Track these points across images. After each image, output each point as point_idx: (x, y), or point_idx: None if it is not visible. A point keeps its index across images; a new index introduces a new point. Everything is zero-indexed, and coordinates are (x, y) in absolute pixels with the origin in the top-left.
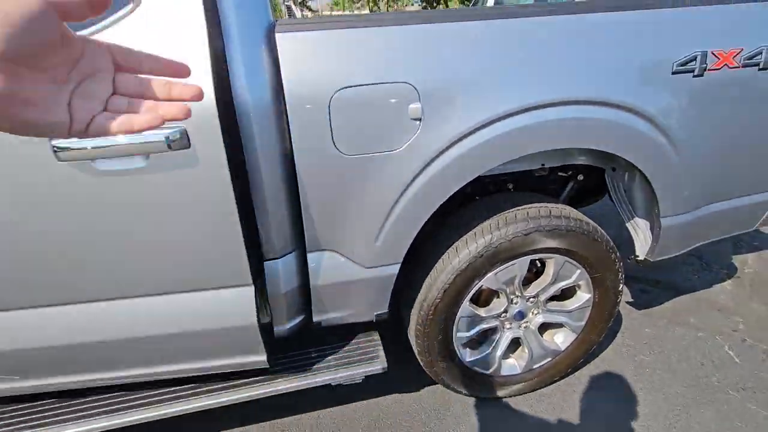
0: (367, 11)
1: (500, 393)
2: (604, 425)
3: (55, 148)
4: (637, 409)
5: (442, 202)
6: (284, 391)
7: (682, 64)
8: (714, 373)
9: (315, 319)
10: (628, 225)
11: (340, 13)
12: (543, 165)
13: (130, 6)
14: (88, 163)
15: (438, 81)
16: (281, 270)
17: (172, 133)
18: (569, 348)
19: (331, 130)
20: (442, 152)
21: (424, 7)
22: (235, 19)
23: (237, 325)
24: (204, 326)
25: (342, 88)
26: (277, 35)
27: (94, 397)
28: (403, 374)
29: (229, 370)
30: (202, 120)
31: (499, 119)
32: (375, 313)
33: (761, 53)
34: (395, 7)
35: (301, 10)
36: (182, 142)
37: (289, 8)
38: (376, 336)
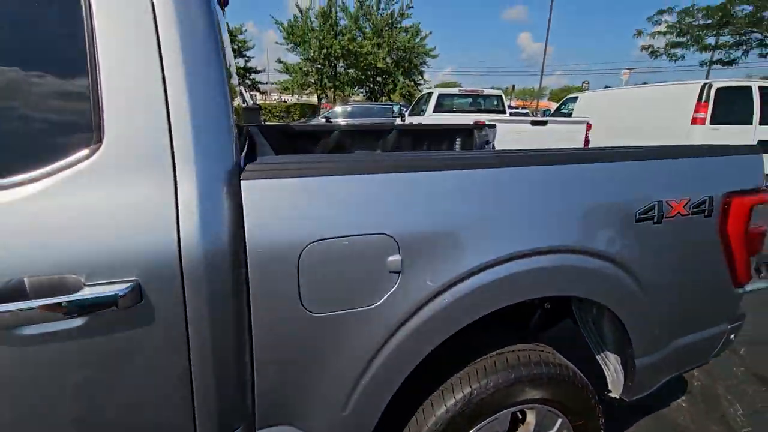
0: (315, 98)
1: None
2: None
3: None
4: None
5: (421, 359)
6: None
7: (644, 213)
8: None
9: None
10: (597, 357)
11: (288, 98)
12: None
13: (88, 149)
14: (12, 332)
15: (419, 232)
16: None
17: (121, 289)
18: None
19: (299, 287)
20: (421, 306)
21: (368, 98)
22: (195, 162)
23: None
24: None
25: (314, 242)
26: (243, 183)
27: None
28: None
29: None
30: (160, 271)
31: (480, 270)
32: None
33: (705, 202)
34: (342, 95)
35: (250, 92)
36: (133, 298)
37: (240, 93)
38: None
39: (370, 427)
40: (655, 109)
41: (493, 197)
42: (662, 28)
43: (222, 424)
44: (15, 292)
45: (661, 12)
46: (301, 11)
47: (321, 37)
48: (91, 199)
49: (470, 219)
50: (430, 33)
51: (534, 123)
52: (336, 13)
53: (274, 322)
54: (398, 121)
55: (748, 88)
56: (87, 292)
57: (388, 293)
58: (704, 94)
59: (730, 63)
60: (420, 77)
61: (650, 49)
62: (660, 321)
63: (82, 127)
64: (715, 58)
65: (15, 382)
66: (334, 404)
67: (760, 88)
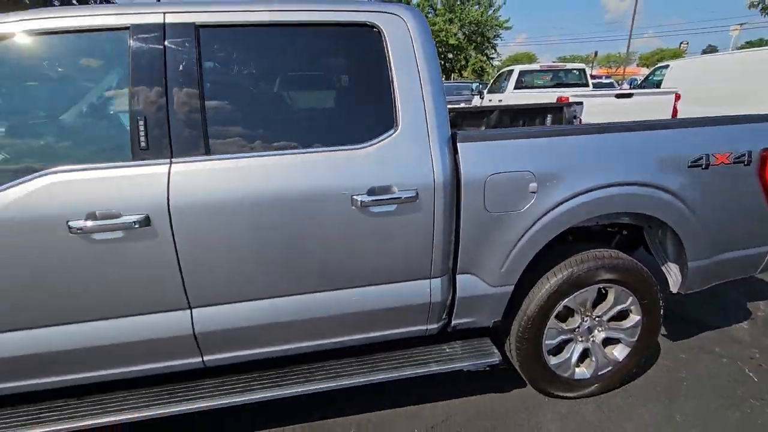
0: None
1: (574, 393)
2: (654, 422)
3: (356, 201)
4: (680, 411)
5: (543, 245)
6: (434, 372)
7: (694, 162)
8: (738, 388)
9: (453, 322)
10: (662, 268)
11: None
12: (597, 222)
13: (391, 129)
14: (374, 203)
15: (547, 170)
16: (440, 285)
17: (411, 193)
18: (625, 359)
19: (484, 198)
20: (546, 213)
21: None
22: (435, 129)
23: (420, 300)
24: (391, 304)
25: (492, 174)
26: (458, 144)
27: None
28: (497, 379)
29: (398, 336)
30: (429, 187)
31: (577, 195)
32: (493, 320)
33: (744, 155)
34: None
35: None
36: (415, 197)
37: None
38: (488, 340)
39: (514, 280)
40: (753, 75)
41: (588, 152)
42: None
43: (443, 269)
44: (379, 191)
45: None
46: None
47: None
48: (396, 153)
49: (576, 164)
50: (504, 3)
51: (619, 96)
52: None
53: (471, 217)
54: (476, 98)
55: None
56: (396, 190)
57: (529, 204)
58: None
59: None
60: (493, 51)
61: (760, 6)
62: (706, 237)
63: (386, 117)
64: None
65: (363, 239)
66: (496, 264)
67: None
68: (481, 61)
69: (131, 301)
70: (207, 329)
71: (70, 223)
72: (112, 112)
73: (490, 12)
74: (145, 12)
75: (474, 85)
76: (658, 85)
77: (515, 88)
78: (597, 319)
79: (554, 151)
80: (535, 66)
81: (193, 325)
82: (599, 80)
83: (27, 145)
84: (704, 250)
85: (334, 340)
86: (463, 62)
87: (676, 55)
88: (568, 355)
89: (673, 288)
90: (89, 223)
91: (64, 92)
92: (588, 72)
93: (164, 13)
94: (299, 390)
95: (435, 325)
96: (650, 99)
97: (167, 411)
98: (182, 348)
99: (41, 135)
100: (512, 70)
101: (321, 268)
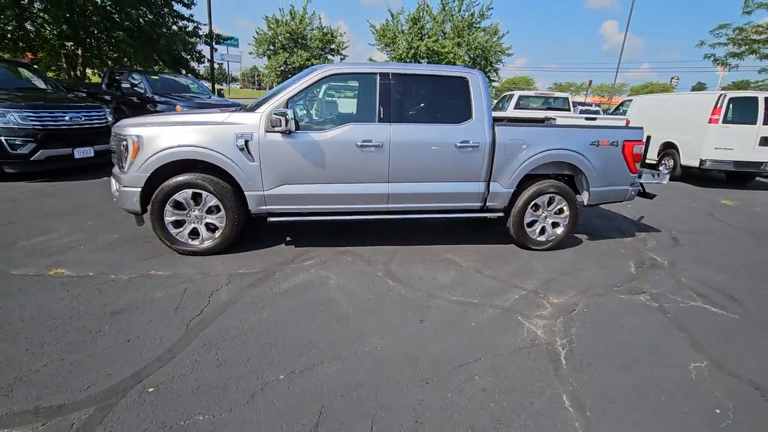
0: None
1: (538, 247)
2: (572, 257)
3: (455, 145)
4: (583, 255)
5: (525, 174)
6: (475, 217)
7: (592, 143)
8: (613, 252)
9: (487, 204)
10: (581, 194)
11: None
12: (553, 172)
13: (470, 118)
14: (462, 147)
15: (529, 139)
16: (485, 185)
17: (476, 144)
18: (561, 234)
19: (504, 149)
20: (529, 158)
21: None
22: (486, 120)
23: (476, 191)
24: (465, 191)
25: (508, 140)
26: (496, 127)
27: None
28: (501, 242)
29: (465, 208)
30: (483, 143)
31: (542, 152)
32: (503, 206)
33: (615, 142)
34: None
35: None
36: (478, 146)
37: None
38: (502, 214)
39: (514, 186)
40: (685, 111)
41: (548, 135)
42: (723, 40)
43: (485, 178)
44: (464, 142)
45: (721, 26)
46: (392, 15)
47: (410, 39)
48: (472, 128)
49: (541, 139)
50: (508, 32)
51: (587, 118)
52: (424, 17)
53: (498, 156)
54: None
55: (755, 98)
56: (471, 143)
57: (522, 153)
58: (719, 102)
59: None
60: (495, 74)
61: (712, 58)
62: (599, 178)
63: (467, 114)
64: None
65: (452, 159)
66: (507, 178)
67: (765, 98)
68: None
69: (371, 175)
70: (393, 192)
71: (356, 143)
72: (372, 104)
73: (495, 39)
74: (383, 68)
75: None
76: (625, 114)
77: (515, 108)
78: (549, 211)
79: (533, 133)
80: (531, 92)
81: (388, 189)
82: (588, 107)
83: (348, 115)
84: (597, 184)
85: (437, 204)
86: None
87: (665, 89)
88: (535, 228)
89: (585, 202)
90: (363, 143)
91: (357, 96)
92: (583, 94)
93: (390, 69)
94: (416, 217)
95: (479, 204)
96: (609, 122)
97: (376, 218)
98: (382, 199)
99: (348, 112)
100: (513, 94)
101: (439, 172)
